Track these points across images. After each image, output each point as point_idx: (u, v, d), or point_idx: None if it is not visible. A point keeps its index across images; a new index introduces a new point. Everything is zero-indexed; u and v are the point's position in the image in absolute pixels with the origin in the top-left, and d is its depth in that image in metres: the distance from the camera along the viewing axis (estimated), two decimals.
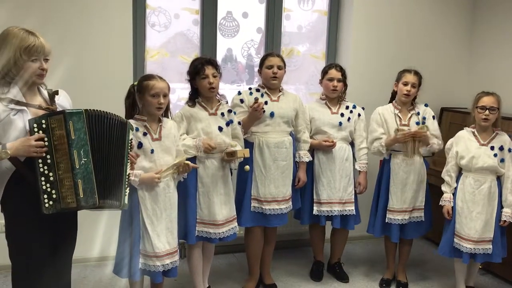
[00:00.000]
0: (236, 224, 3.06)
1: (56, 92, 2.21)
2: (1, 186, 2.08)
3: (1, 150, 1.96)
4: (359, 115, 3.47)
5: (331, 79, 3.36)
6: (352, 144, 3.48)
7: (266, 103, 3.13)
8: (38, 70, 2.08)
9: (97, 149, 2.09)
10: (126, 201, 2.27)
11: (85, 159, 2.04)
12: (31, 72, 2.06)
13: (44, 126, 2.00)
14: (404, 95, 3.29)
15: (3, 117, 2.01)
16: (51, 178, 2.01)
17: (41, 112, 2.09)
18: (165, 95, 2.61)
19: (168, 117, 2.78)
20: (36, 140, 1.98)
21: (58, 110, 2.14)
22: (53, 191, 2.01)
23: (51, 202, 2.01)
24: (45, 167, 2.01)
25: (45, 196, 2.00)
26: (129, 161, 2.30)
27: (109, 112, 2.18)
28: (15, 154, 1.99)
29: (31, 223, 2.09)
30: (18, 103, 2.05)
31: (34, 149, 1.98)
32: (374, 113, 3.42)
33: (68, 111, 2.04)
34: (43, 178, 2.00)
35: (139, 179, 2.53)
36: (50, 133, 2.00)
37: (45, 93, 2.20)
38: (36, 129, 2.00)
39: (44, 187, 2.00)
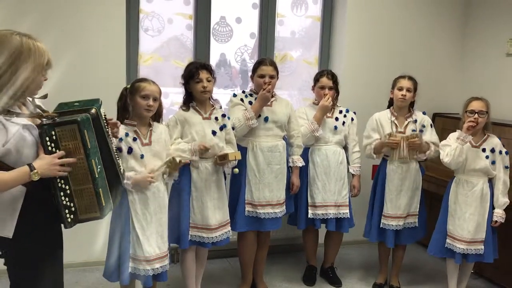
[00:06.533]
0: (229, 228, 3.06)
1: (45, 96, 2.02)
2: (16, 212, 1.86)
3: (30, 172, 1.79)
4: (352, 119, 3.51)
5: (322, 87, 3.39)
6: (345, 148, 3.51)
7: None
8: (42, 83, 1.94)
9: (101, 152, 1.98)
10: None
11: (100, 166, 1.94)
12: (39, 87, 1.92)
13: (54, 137, 1.85)
14: (400, 99, 3.32)
15: (14, 131, 1.81)
16: (68, 192, 1.90)
17: (37, 119, 1.90)
18: (155, 99, 2.61)
19: (159, 122, 2.78)
20: (59, 158, 1.85)
21: (51, 115, 1.93)
22: (71, 204, 1.91)
23: (72, 216, 1.91)
24: (62, 181, 1.88)
25: (66, 211, 1.89)
26: (115, 150, 2.18)
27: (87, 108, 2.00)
28: (43, 176, 1.82)
29: (43, 240, 1.96)
30: (18, 115, 1.85)
31: (60, 168, 1.84)
32: (370, 119, 3.45)
33: (80, 119, 1.85)
34: (62, 193, 1.88)
35: (131, 181, 2.53)
36: (60, 144, 1.86)
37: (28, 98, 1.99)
38: (48, 142, 1.84)
39: (64, 202, 1.88)
